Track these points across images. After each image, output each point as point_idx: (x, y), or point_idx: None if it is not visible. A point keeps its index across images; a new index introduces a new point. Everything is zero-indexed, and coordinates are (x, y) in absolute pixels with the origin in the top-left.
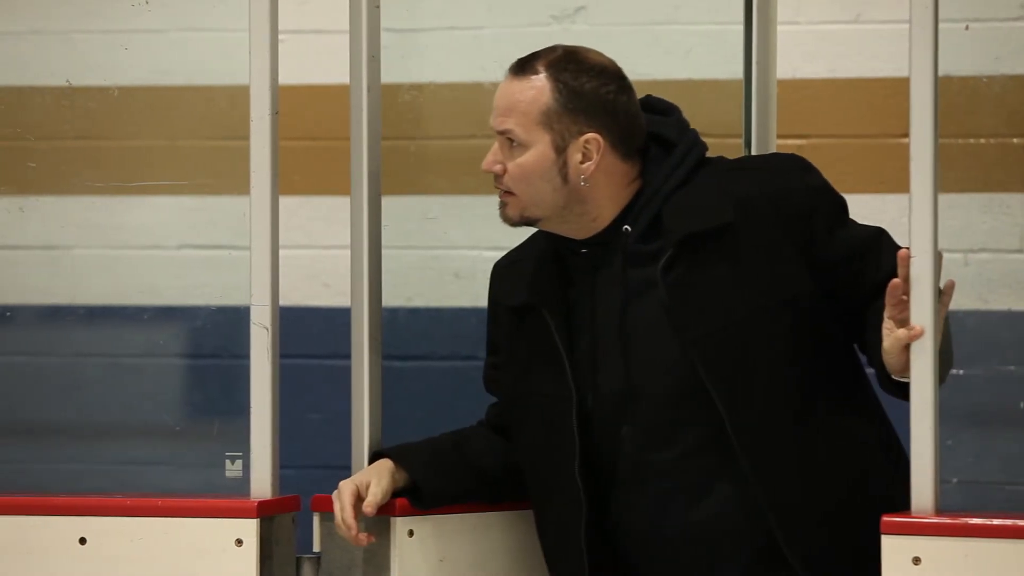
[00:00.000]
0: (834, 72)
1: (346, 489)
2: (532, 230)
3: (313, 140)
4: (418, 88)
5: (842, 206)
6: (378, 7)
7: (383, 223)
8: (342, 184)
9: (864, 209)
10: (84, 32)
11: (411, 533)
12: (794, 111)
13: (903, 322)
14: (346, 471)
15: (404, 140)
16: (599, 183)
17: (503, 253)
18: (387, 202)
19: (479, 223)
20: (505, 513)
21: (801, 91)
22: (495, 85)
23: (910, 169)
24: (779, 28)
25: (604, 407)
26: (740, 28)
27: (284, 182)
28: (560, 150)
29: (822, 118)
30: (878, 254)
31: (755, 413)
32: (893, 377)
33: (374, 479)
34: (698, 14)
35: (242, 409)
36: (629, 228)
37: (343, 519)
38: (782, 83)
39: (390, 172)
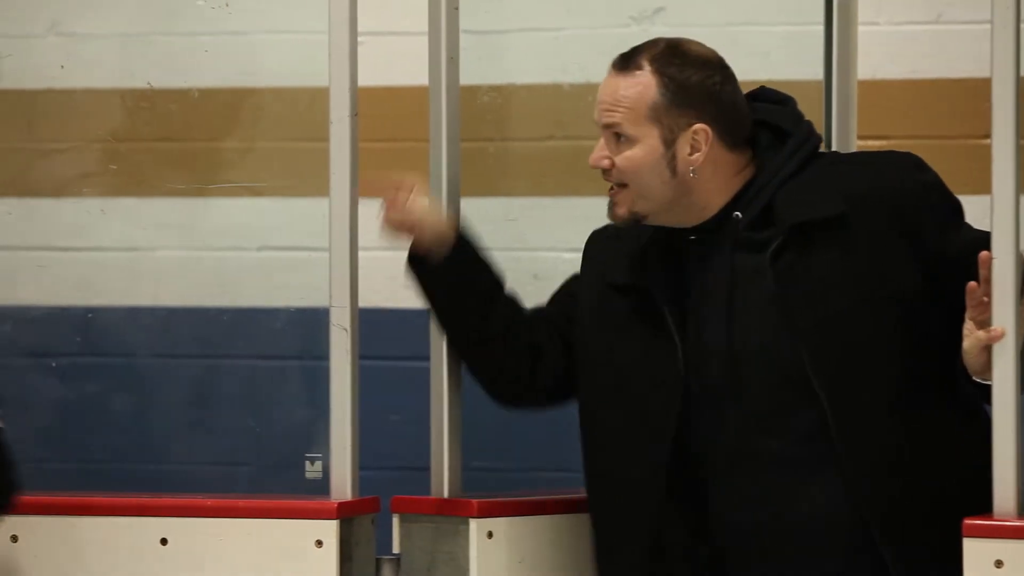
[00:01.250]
0: (915, 73)
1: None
2: None
3: (392, 142)
4: (497, 90)
5: (955, 207)
6: (457, 8)
7: None
8: (421, 186)
9: None
10: (164, 35)
11: (490, 534)
12: (874, 112)
13: (984, 323)
14: (425, 472)
15: (483, 142)
16: (706, 174)
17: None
18: (466, 204)
19: (558, 225)
20: (586, 516)
21: (881, 92)
22: (574, 86)
23: (992, 170)
24: (860, 29)
25: (707, 395)
26: (819, 29)
27: (364, 183)
28: (669, 143)
29: (903, 119)
30: None
31: (857, 405)
32: (974, 379)
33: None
34: (777, 15)
35: (322, 411)
36: (740, 215)
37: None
38: (862, 84)
39: (469, 174)
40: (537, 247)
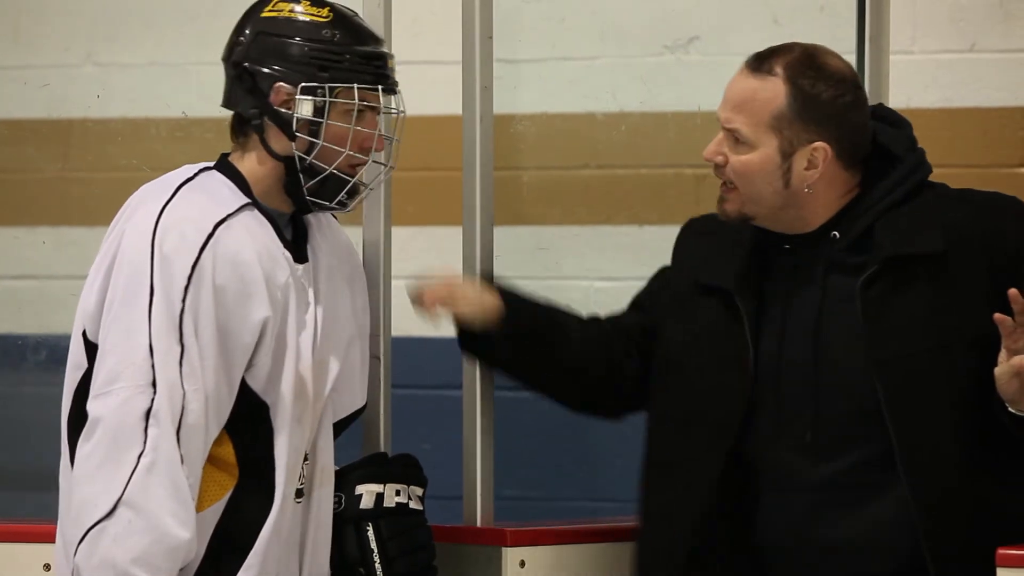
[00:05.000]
0: (949, 101)
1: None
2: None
3: (426, 170)
4: (530, 118)
5: None
6: (491, 38)
7: (495, 253)
8: (455, 214)
9: None
10: (199, 64)
11: (523, 563)
12: None
13: (1018, 352)
14: (458, 501)
15: (516, 170)
16: (819, 191)
17: (615, 284)
18: (499, 232)
19: (591, 254)
20: (619, 544)
21: (916, 120)
22: (608, 115)
23: None
24: (894, 58)
25: (778, 411)
26: (852, 58)
27: (397, 212)
28: (786, 155)
29: (937, 147)
30: None
31: (926, 443)
32: (1009, 409)
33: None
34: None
35: (355, 439)
36: (837, 235)
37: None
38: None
39: (502, 202)
40: (570, 276)
